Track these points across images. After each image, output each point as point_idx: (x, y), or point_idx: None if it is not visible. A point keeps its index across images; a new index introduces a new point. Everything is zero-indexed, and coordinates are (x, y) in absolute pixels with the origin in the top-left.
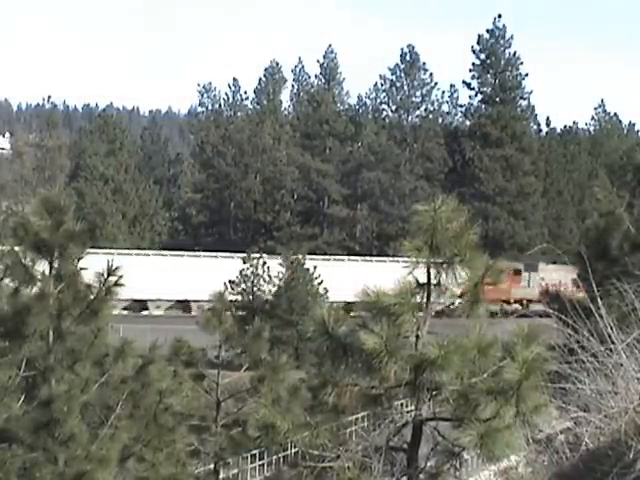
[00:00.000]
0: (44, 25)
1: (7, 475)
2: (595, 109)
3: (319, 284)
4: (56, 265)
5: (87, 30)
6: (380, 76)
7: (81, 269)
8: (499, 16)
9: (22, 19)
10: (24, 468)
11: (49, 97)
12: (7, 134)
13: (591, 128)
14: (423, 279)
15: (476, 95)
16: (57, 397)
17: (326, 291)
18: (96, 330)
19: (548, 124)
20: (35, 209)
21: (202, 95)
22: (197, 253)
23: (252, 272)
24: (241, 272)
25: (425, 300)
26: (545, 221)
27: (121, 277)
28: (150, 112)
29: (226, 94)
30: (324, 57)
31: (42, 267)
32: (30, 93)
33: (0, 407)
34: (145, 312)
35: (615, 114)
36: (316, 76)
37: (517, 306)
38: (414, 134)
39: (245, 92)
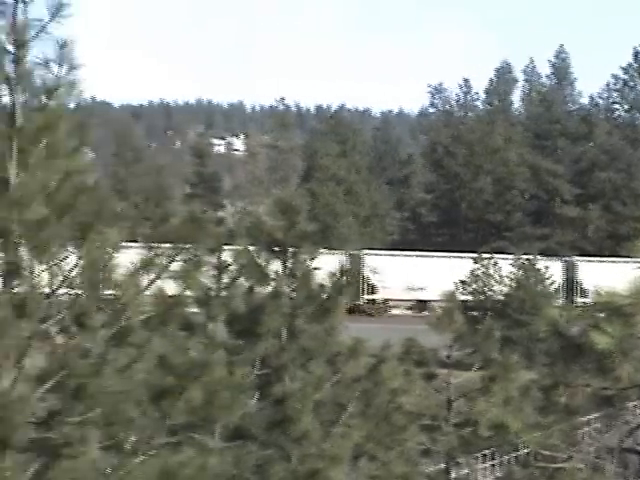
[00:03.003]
0: (281, 29)
1: (242, 471)
2: None
3: (551, 284)
4: (289, 264)
5: (322, 33)
6: (612, 75)
7: (314, 269)
8: None
9: (268, 25)
10: (258, 465)
11: (283, 99)
12: (241, 135)
13: None
14: None
15: None
16: (291, 395)
17: (557, 291)
18: (329, 329)
19: None
20: (269, 209)
21: (433, 96)
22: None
23: (483, 272)
24: (472, 272)
25: None
26: None
27: (352, 276)
28: (382, 113)
29: (457, 95)
30: (556, 57)
31: (276, 266)
32: (264, 95)
33: (235, 404)
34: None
35: None
36: (547, 76)
37: None
38: None
39: (476, 93)
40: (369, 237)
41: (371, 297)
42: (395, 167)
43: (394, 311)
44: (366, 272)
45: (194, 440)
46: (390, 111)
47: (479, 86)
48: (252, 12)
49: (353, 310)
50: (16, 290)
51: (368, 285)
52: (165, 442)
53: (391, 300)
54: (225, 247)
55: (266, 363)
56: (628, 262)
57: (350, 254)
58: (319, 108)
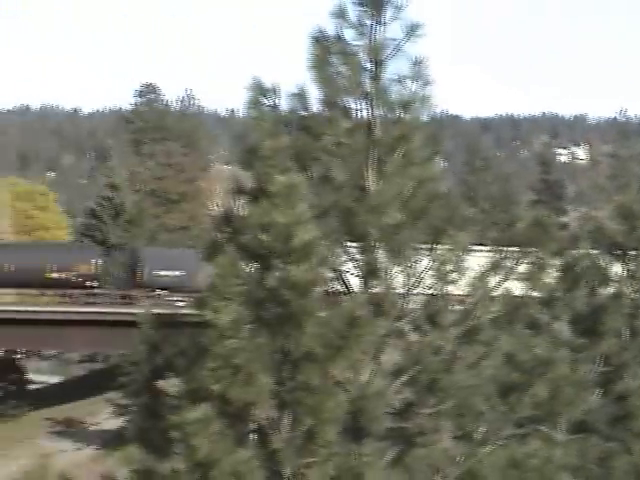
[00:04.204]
0: (622, 48)
1: (586, 462)
2: None
3: None
4: (630, 267)
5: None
6: None
7: None
8: None
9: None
10: (601, 458)
11: (625, 110)
12: (584, 145)
13: None
14: None
15: None
16: (632, 392)
17: None
18: None
19: None
20: (610, 215)
21: None
22: None
23: None
24: None
25: None
26: None
27: None
28: None
29: None
30: None
31: (617, 269)
32: (606, 107)
33: (578, 400)
34: None
35: None
36: None
37: None
38: None
39: None
40: None
41: None
42: None
43: None
44: None
45: (540, 433)
46: None
47: None
48: (595, 29)
49: None
50: (374, 290)
51: None
52: (512, 434)
53: None
54: (568, 250)
55: (608, 361)
56: None
57: None
58: None
